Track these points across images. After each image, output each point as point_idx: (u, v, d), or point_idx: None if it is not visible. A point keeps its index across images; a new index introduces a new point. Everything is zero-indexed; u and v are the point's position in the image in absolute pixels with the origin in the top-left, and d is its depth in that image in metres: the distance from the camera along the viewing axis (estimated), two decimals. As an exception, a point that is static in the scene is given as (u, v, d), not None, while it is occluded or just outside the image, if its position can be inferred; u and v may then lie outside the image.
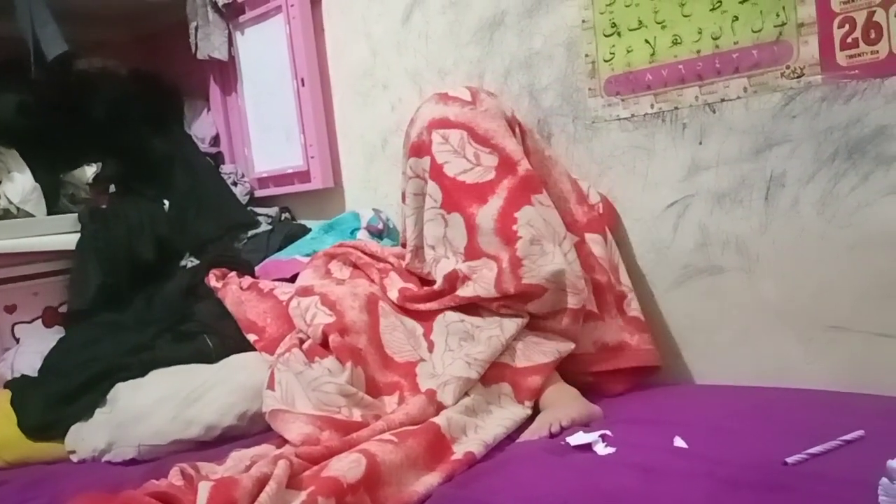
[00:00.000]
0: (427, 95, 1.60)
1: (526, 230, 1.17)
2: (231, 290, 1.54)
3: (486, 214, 1.20)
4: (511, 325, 1.19)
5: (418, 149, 1.27)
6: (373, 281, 1.37)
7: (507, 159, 1.21)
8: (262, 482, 0.84)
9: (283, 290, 1.50)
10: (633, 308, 1.27)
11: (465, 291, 1.22)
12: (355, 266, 1.42)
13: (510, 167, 1.21)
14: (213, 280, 1.59)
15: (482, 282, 1.20)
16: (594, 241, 1.27)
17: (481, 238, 1.21)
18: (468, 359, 1.16)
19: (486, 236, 1.20)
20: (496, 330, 1.18)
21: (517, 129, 1.28)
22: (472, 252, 1.23)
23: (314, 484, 0.85)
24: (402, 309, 1.31)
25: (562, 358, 1.19)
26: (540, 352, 1.18)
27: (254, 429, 1.26)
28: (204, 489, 0.82)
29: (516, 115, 1.33)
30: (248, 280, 1.58)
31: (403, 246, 1.41)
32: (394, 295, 1.33)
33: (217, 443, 1.24)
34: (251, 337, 1.43)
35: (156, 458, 1.21)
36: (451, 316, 1.24)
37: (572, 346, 1.19)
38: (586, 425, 1.07)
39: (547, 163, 1.30)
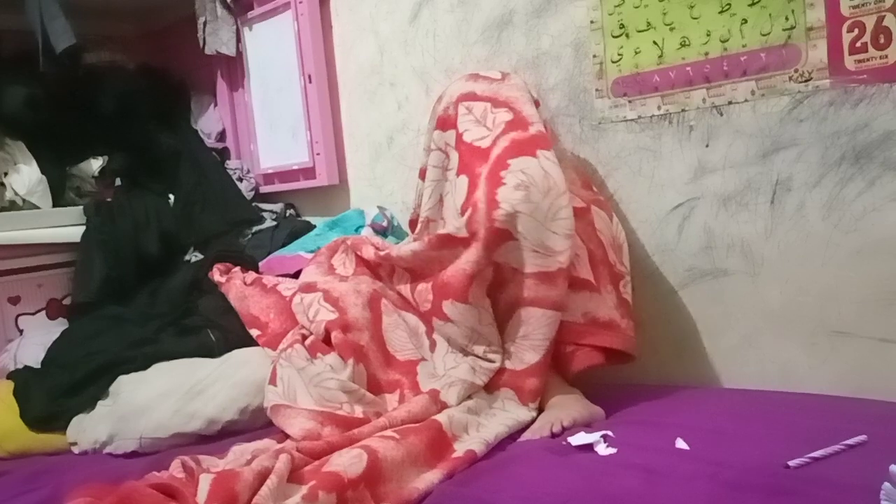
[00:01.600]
0: (434, 94, 1.61)
1: (513, 177, 1.12)
2: (235, 284, 1.54)
3: (486, 167, 1.17)
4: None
5: (444, 122, 1.26)
6: (373, 272, 1.37)
7: (521, 119, 1.18)
8: (263, 476, 0.84)
9: (287, 286, 1.50)
10: (627, 292, 1.24)
11: (438, 231, 1.20)
12: (357, 255, 1.42)
13: (522, 125, 1.18)
14: (216, 275, 1.60)
15: (456, 223, 1.17)
16: (598, 215, 1.25)
17: (479, 189, 1.17)
18: (475, 364, 1.16)
19: (480, 185, 1.16)
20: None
21: (541, 112, 1.26)
22: (466, 207, 1.19)
23: (315, 478, 0.85)
24: (404, 306, 1.31)
25: (553, 341, 1.14)
26: (530, 347, 1.15)
27: (255, 423, 1.26)
28: (205, 481, 0.82)
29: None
30: (251, 275, 1.59)
31: (413, 223, 1.39)
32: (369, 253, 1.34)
33: (218, 437, 1.24)
34: (254, 332, 1.43)
35: (157, 451, 1.21)
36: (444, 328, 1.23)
37: (558, 316, 1.13)
38: (588, 426, 1.07)
39: (563, 157, 1.27)
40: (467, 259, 1.14)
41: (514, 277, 1.15)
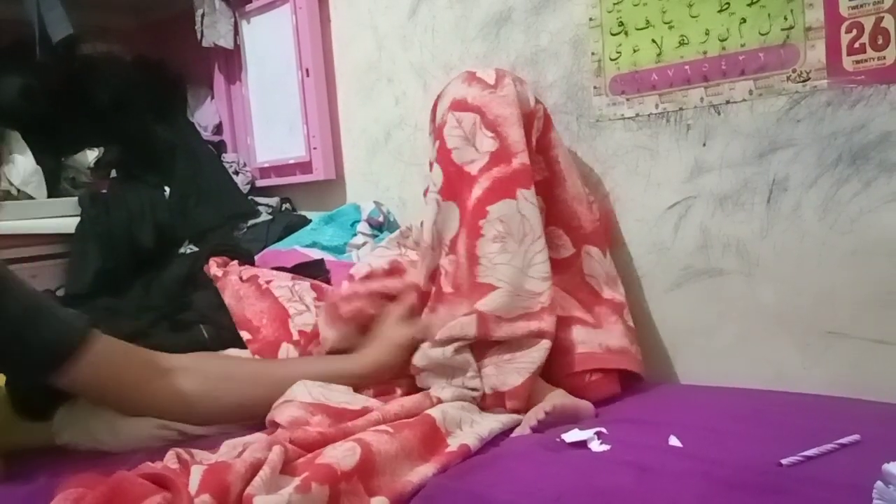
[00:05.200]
0: (432, 90, 1.60)
1: (490, 227, 1.14)
2: (231, 282, 1.53)
3: (469, 204, 1.17)
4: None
5: (438, 133, 1.25)
6: None
7: (506, 149, 1.17)
8: (255, 467, 0.83)
9: (280, 283, 1.50)
10: (630, 319, 1.26)
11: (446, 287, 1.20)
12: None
13: (506, 157, 1.17)
14: (213, 267, 1.59)
15: (448, 279, 1.18)
16: (588, 256, 1.25)
17: (461, 229, 1.18)
18: (459, 393, 1.15)
19: (462, 228, 1.17)
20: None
21: (538, 121, 1.24)
22: (455, 246, 1.19)
23: (308, 470, 0.84)
24: None
25: (542, 365, 1.13)
26: (514, 370, 1.13)
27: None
28: (196, 472, 0.82)
29: (544, 105, 1.28)
30: (248, 270, 1.58)
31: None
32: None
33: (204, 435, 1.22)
34: (244, 335, 1.42)
35: (140, 447, 1.20)
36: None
37: (549, 344, 1.14)
38: (574, 416, 1.07)
39: (568, 161, 1.28)
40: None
41: (499, 324, 1.14)
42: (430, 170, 1.26)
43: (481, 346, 1.16)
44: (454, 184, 1.19)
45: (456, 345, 1.14)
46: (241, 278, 1.53)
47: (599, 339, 1.20)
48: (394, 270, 1.32)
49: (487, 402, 1.14)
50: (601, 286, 1.25)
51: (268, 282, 1.51)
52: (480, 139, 1.19)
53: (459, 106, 1.21)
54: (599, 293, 1.24)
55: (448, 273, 1.19)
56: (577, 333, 1.19)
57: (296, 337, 1.36)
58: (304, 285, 1.48)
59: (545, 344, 1.14)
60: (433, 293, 1.21)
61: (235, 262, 1.61)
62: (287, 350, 1.35)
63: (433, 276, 1.22)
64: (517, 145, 1.18)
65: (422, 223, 1.28)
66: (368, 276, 1.32)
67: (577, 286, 1.24)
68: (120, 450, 1.20)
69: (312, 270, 1.58)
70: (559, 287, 1.23)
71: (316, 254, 1.64)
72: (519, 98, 1.21)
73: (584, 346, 1.19)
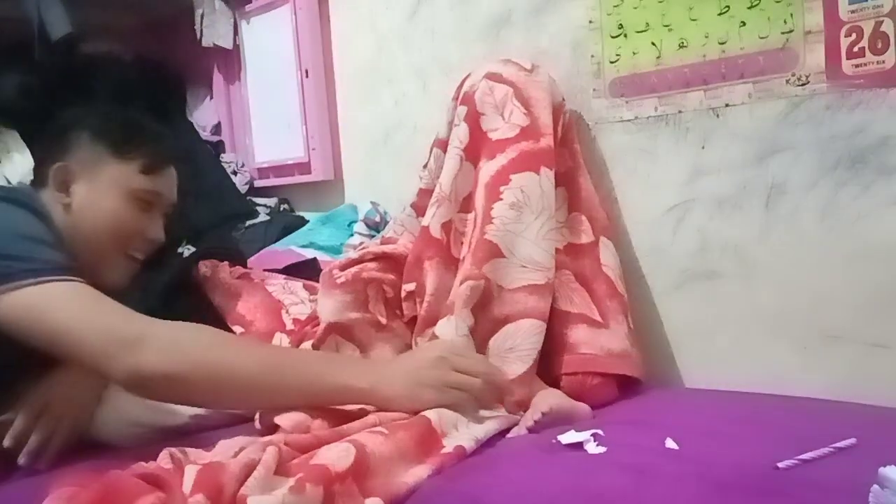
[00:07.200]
0: (432, 91, 1.61)
1: (511, 193, 1.17)
2: (220, 280, 1.52)
3: (487, 170, 1.20)
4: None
5: (468, 98, 1.27)
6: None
7: (536, 128, 1.21)
8: (249, 467, 0.83)
9: (272, 282, 1.50)
10: (632, 320, 1.26)
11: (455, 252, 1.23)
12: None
13: (535, 135, 1.20)
14: (202, 269, 1.58)
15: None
16: (605, 248, 1.26)
17: (477, 191, 1.21)
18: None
19: (479, 190, 1.20)
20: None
21: (564, 115, 1.28)
22: (468, 205, 1.23)
23: (302, 471, 0.84)
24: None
25: (539, 350, 1.14)
26: (517, 359, 1.14)
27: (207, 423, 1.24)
28: (190, 472, 0.81)
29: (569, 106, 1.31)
30: (238, 270, 1.57)
31: (426, 192, 1.34)
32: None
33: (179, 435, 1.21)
34: (237, 329, 1.42)
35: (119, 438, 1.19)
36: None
37: (544, 326, 1.15)
38: (570, 417, 1.07)
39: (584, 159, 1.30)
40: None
41: (499, 295, 1.16)
42: (450, 131, 1.28)
43: (481, 333, 1.17)
44: (476, 147, 1.23)
45: (465, 327, 1.14)
46: (231, 276, 1.53)
47: (602, 342, 1.20)
48: (387, 240, 1.35)
49: None
50: (616, 278, 1.25)
51: (261, 279, 1.51)
52: (510, 111, 1.22)
53: (494, 78, 1.25)
54: (615, 284, 1.24)
55: (460, 233, 1.22)
56: (581, 333, 1.19)
57: (290, 326, 1.36)
58: (296, 284, 1.49)
59: (541, 327, 1.15)
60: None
61: (226, 263, 1.60)
62: (280, 339, 1.35)
63: (446, 227, 1.23)
64: (546, 127, 1.21)
65: (425, 163, 1.32)
66: (363, 247, 1.34)
67: (595, 274, 1.25)
68: (104, 441, 1.20)
69: (306, 272, 1.58)
70: (578, 274, 1.24)
71: (311, 254, 1.64)
72: (551, 88, 1.26)
73: (587, 348, 1.19)
